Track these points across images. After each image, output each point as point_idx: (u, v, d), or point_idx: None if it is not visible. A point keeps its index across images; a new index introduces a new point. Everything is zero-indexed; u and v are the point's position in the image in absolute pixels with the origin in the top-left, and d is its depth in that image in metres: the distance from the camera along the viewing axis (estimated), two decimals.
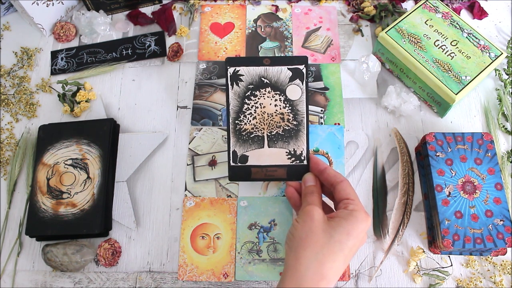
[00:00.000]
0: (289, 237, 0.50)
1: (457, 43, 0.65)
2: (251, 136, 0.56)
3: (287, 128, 0.56)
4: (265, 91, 0.56)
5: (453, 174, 0.58)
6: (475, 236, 0.55)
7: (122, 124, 0.69)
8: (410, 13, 0.68)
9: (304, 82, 0.55)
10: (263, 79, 0.56)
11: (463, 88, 0.62)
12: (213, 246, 0.61)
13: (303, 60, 0.55)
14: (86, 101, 0.70)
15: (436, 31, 0.66)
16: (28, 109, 0.71)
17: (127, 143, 0.67)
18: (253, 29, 0.76)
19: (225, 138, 0.67)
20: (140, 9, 0.79)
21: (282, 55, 0.74)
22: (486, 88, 0.70)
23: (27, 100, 0.72)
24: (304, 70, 0.55)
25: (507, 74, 0.71)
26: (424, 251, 0.58)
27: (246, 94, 0.56)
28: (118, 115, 0.70)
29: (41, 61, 0.75)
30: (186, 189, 0.65)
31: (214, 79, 0.72)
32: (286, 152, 0.56)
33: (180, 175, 0.66)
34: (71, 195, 0.61)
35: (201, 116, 0.69)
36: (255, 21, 0.77)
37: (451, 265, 0.59)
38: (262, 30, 0.76)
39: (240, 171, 0.56)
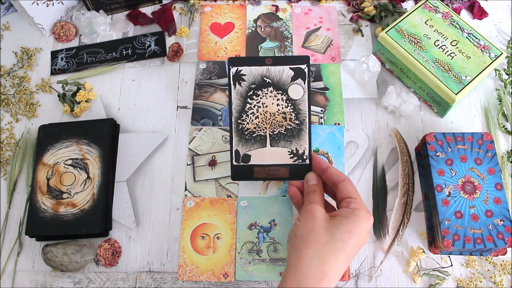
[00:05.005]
0: (291, 236, 0.49)
1: (457, 43, 0.65)
2: (254, 135, 0.56)
3: (289, 127, 0.56)
4: (267, 90, 0.56)
5: (453, 174, 0.58)
6: (475, 236, 0.55)
7: (122, 124, 0.69)
8: (410, 13, 0.68)
9: (306, 81, 0.55)
10: (265, 78, 0.56)
11: (463, 88, 0.62)
12: (213, 246, 0.61)
13: (305, 59, 0.55)
14: (86, 101, 0.70)
15: (436, 31, 0.66)
16: (28, 109, 0.71)
17: (127, 143, 0.67)
18: (253, 29, 0.76)
19: (225, 138, 0.67)
20: (140, 9, 0.79)
21: (282, 55, 0.74)
22: (486, 88, 0.71)
23: (27, 100, 0.72)
24: (306, 70, 0.55)
25: (507, 74, 0.71)
26: (424, 251, 0.58)
27: (249, 94, 0.56)
28: (118, 115, 0.70)
29: (41, 61, 0.75)
30: (186, 189, 0.65)
31: (214, 79, 0.72)
32: (289, 151, 0.56)
33: (180, 175, 0.66)
34: (71, 195, 0.61)
35: (201, 116, 0.69)
36: (255, 21, 0.77)
37: (451, 265, 0.59)
38: (262, 30, 0.76)
39: (243, 170, 0.56)
